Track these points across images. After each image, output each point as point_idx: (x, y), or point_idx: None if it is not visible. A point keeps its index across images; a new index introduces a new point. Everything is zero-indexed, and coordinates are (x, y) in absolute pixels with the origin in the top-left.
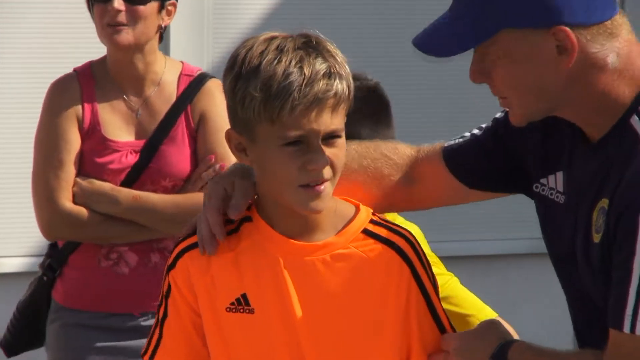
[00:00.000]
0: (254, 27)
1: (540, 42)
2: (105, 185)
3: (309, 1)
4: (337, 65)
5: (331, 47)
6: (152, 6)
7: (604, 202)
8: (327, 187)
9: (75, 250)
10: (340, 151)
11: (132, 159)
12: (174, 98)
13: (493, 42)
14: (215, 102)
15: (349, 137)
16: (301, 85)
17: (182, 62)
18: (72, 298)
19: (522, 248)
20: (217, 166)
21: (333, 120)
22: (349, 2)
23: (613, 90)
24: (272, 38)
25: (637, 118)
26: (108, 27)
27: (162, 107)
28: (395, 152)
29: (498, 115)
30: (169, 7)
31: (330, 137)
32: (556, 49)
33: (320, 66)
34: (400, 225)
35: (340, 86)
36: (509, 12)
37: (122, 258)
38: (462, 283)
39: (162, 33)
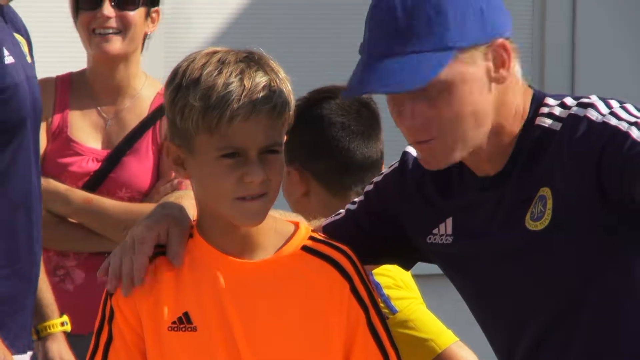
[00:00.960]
0: (206, 45)
1: (480, 60)
2: (60, 186)
3: (262, 18)
4: (277, 80)
5: (273, 63)
6: (141, 12)
7: (542, 191)
8: (264, 201)
9: None
10: (278, 166)
11: (94, 166)
12: (145, 114)
13: (447, 69)
14: None
15: (338, 153)
16: (240, 96)
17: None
18: None
19: None
20: (175, 182)
21: (271, 134)
22: (304, 20)
23: (515, 101)
24: (215, 52)
25: (542, 118)
26: (95, 34)
27: (133, 121)
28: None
29: (367, 188)
30: (153, 15)
31: (268, 152)
32: (493, 65)
33: (261, 79)
34: (339, 240)
35: (279, 100)
36: (458, 30)
37: (68, 275)
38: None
39: (144, 42)
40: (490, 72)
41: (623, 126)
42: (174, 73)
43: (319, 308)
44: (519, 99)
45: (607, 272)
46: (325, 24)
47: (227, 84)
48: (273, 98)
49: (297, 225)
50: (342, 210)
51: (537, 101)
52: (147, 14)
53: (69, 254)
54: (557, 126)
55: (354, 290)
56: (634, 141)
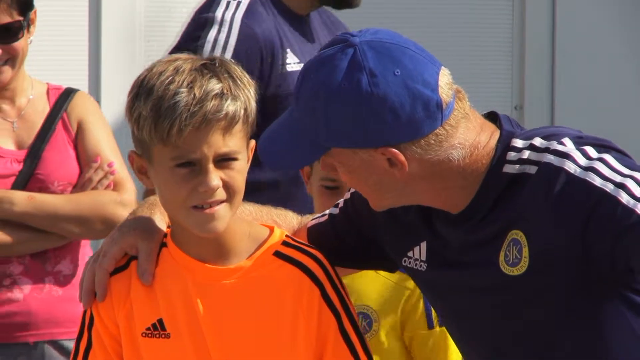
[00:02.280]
0: None
1: (370, 158)
2: None
3: None
4: (232, 87)
5: (235, 69)
6: (24, 34)
7: (514, 234)
8: (222, 209)
9: None
10: (236, 174)
11: (17, 167)
12: (47, 109)
13: (328, 155)
14: (89, 108)
15: None
16: (189, 106)
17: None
18: None
19: None
20: (106, 166)
21: (226, 142)
22: None
23: (471, 169)
24: (175, 60)
25: (509, 165)
26: None
27: (38, 118)
28: (284, 219)
29: (346, 196)
30: (32, 17)
31: (224, 160)
32: (387, 162)
33: (213, 87)
34: (312, 246)
35: (232, 107)
36: (336, 135)
37: (15, 284)
38: None
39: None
40: (385, 166)
41: (609, 188)
42: (135, 82)
43: (289, 314)
44: (479, 137)
45: (580, 320)
46: None
47: (176, 94)
48: (224, 106)
49: (271, 229)
50: (326, 212)
51: (504, 143)
52: (28, 23)
53: (12, 260)
54: (531, 169)
55: (325, 296)
56: (625, 207)
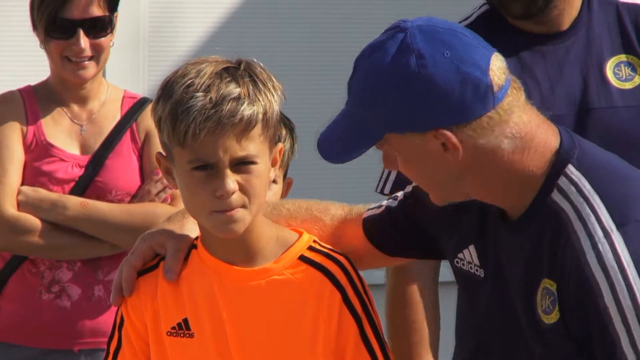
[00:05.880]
0: (190, 54)
1: (423, 143)
2: (52, 194)
3: (247, 27)
4: (252, 91)
5: (261, 72)
6: (111, 29)
7: (548, 283)
8: (240, 212)
9: (13, 281)
10: (254, 178)
11: (78, 172)
12: (118, 116)
13: (383, 143)
14: None
15: None
16: (205, 109)
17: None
18: (5, 332)
19: None
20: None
21: (243, 147)
22: (287, 29)
23: (519, 169)
24: (200, 62)
25: (557, 193)
26: (69, 61)
27: (107, 124)
28: (326, 213)
29: (408, 189)
30: (115, 21)
31: (241, 163)
32: (442, 146)
33: (231, 90)
34: (338, 251)
35: (248, 111)
36: (388, 119)
37: (64, 291)
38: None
39: None
40: (439, 151)
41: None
42: (161, 83)
43: (310, 317)
44: (535, 131)
45: None
46: (308, 28)
47: (192, 98)
48: (240, 110)
49: (300, 234)
50: (383, 203)
51: (561, 161)
52: (113, 26)
53: (62, 266)
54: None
55: (346, 300)
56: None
